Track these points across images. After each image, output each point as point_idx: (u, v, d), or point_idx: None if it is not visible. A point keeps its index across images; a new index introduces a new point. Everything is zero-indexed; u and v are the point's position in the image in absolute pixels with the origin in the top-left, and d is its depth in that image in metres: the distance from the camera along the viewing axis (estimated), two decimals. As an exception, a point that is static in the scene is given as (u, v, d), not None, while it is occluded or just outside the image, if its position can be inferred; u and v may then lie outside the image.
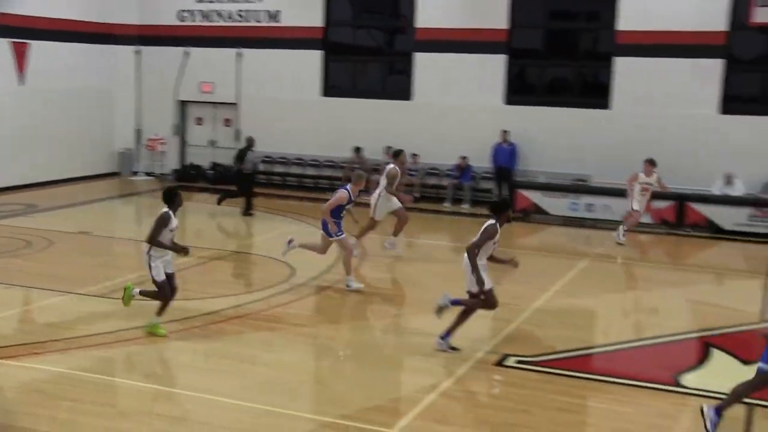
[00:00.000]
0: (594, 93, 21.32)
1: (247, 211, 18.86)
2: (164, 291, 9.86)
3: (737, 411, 8.21)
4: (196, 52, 23.82)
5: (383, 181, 14.88)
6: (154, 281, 9.82)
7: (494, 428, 7.82)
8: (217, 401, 8.08)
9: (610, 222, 18.67)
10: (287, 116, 23.37)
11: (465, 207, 21.36)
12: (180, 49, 23.94)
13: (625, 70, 20.42)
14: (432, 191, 22.13)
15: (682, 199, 18.62)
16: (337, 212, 12.46)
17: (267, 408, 7.98)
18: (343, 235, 12.58)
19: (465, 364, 9.27)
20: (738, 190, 18.92)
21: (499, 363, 9.43)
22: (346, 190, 12.53)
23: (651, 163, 17.00)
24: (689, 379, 9.30)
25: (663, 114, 19.85)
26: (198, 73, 24.03)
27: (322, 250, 12.94)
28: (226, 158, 23.15)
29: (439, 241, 18.19)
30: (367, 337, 10.35)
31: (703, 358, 10.06)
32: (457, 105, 21.73)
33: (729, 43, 19.69)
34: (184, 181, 23.28)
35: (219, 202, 19.29)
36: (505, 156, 21.27)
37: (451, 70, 21.74)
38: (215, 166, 24.08)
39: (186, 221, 17.44)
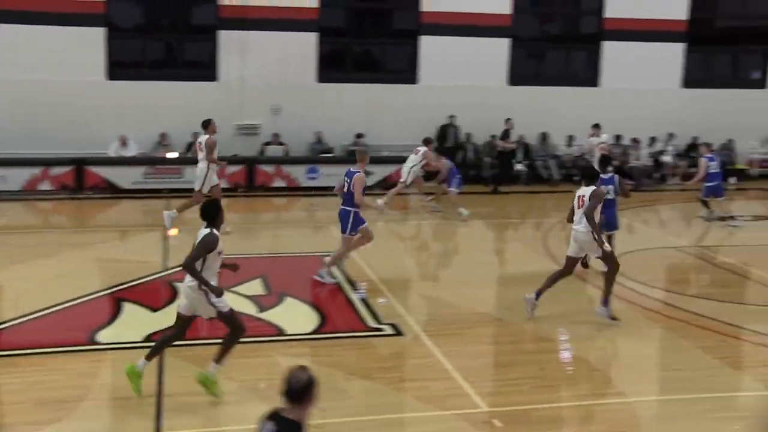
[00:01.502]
0: None
1: None
2: (238, 323, 7.66)
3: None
4: None
5: (202, 154, 13.97)
6: (222, 315, 7.54)
7: None
8: None
9: (5, 192, 17.54)
10: None
11: None
12: None
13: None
14: None
15: (80, 163, 18.33)
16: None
17: None
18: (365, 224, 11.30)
19: None
20: (132, 150, 19.31)
21: None
22: (359, 171, 11.01)
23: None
24: (104, 335, 9.31)
25: (50, 81, 19.02)
26: None
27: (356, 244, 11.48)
28: None
29: None
30: None
31: (115, 313, 10.12)
32: None
33: (108, 12, 19.69)
34: None
35: None
36: None
37: None
38: None
39: None
